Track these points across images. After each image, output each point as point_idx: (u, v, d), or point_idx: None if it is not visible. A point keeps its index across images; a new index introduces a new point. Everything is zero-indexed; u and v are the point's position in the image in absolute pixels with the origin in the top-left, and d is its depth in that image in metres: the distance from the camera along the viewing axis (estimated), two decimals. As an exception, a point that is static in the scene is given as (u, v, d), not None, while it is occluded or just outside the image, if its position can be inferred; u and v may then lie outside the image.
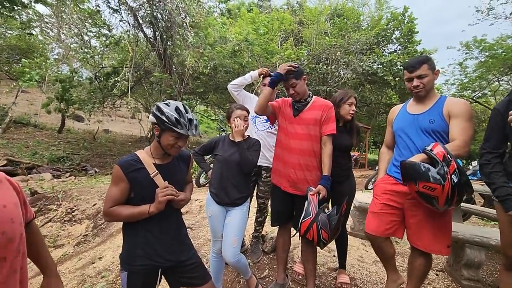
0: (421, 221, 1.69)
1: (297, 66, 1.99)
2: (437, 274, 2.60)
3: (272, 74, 2.12)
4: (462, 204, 3.65)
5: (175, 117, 1.28)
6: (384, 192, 1.86)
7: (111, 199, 1.29)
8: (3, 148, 8.28)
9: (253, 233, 2.78)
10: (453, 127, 1.61)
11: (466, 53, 15.14)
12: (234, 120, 1.97)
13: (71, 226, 4.22)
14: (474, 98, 16.39)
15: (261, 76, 2.51)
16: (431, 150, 1.47)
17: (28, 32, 10.87)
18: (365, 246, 3.12)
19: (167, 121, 1.28)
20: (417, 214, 1.71)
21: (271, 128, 2.55)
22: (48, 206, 4.67)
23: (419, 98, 1.80)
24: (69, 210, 4.53)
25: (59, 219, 4.36)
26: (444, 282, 2.46)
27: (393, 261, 1.94)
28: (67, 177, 7.31)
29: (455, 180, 1.37)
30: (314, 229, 1.75)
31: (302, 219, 1.79)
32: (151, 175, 1.32)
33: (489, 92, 16.82)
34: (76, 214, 4.43)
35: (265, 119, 2.58)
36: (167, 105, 1.33)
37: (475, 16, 12.90)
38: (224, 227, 1.96)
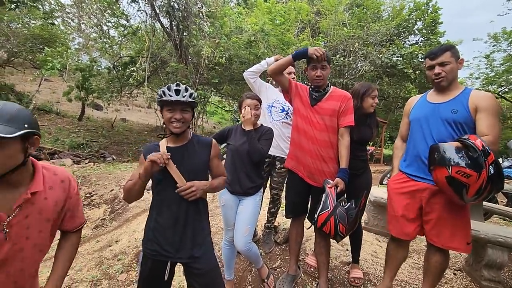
0: (440, 217, 1.64)
1: (326, 51, 1.93)
2: (455, 274, 2.52)
3: None
4: (484, 202, 3.51)
5: (163, 90, 1.32)
6: (401, 193, 1.81)
7: (130, 177, 1.36)
8: (27, 134, 8.62)
9: (265, 223, 2.78)
10: (482, 122, 1.52)
11: (493, 46, 14.31)
12: (243, 109, 1.96)
13: (90, 210, 4.39)
14: (500, 94, 15.55)
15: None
16: (468, 138, 1.38)
17: (51, 22, 11.20)
18: (379, 241, 3.07)
19: (159, 97, 1.33)
20: (434, 210, 1.65)
21: (287, 118, 2.51)
22: (69, 191, 4.86)
23: (440, 88, 1.71)
24: (88, 195, 4.70)
25: (79, 203, 4.54)
26: (462, 282, 2.39)
27: (397, 269, 1.94)
28: (86, 163, 7.57)
29: (492, 171, 1.31)
30: (331, 222, 1.72)
31: (320, 212, 1.76)
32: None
33: (517, 87, 15.90)
34: (95, 199, 4.60)
35: (280, 109, 2.54)
36: (163, 87, 1.37)
37: (505, 5, 12.13)
38: (237, 216, 1.97)
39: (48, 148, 7.64)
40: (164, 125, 1.45)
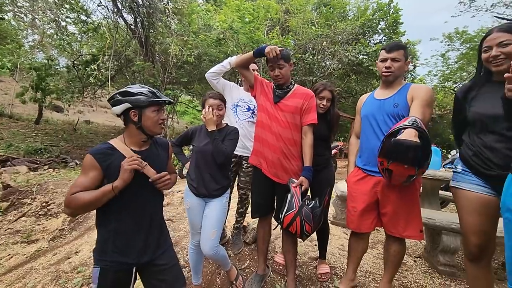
0: (393, 209, 1.72)
1: (283, 49, 1.92)
2: (415, 261, 2.66)
3: None
4: (441, 192, 3.75)
5: (148, 90, 1.27)
6: (358, 188, 1.87)
7: (76, 186, 1.17)
8: (-26, 140, 7.84)
9: (234, 224, 2.74)
10: (413, 108, 1.61)
11: (448, 45, 15.49)
12: (204, 109, 1.90)
13: (47, 220, 4.06)
14: (455, 89, 16.84)
15: None
16: (420, 126, 1.41)
17: (0, 16, 10.20)
18: (346, 234, 3.16)
19: (145, 97, 1.26)
20: (389, 203, 1.73)
21: (253, 117, 2.49)
22: (22, 200, 4.46)
23: (387, 82, 1.81)
24: (44, 204, 4.34)
25: (33, 213, 4.18)
26: (422, 268, 2.52)
27: (359, 260, 2.01)
28: (45, 169, 7.01)
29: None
30: (297, 222, 1.73)
31: (285, 213, 1.76)
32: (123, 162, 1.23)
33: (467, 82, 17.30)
34: (52, 208, 4.25)
35: (246, 108, 2.51)
36: (130, 88, 1.29)
37: (457, 8, 13.14)
38: (203, 219, 1.91)
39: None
40: (138, 128, 1.29)
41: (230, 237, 2.75)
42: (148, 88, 1.30)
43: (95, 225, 1.32)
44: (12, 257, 3.25)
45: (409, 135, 1.34)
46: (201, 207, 1.93)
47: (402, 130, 1.39)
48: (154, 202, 1.38)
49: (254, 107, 2.49)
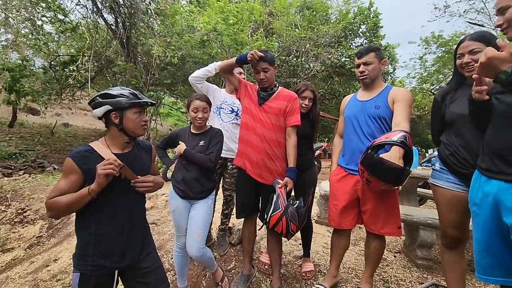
0: (373, 207, 1.79)
1: (268, 52, 1.97)
2: (395, 256, 2.76)
3: None
4: (419, 189, 3.91)
5: (129, 92, 1.27)
6: (339, 186, 1.93)
7: (56, 190, 1.17)
8: None
9: (219, 225, 2.74)
10: (397, 111, 1.70)
11: (425, 48, 16.16)
12: (191, 112, 1.90)
13: (23, 227, 3.87)
14: (432, 91, 17.58)
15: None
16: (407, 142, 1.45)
17: (-32, 14, 9.66)
18: (330, 233, 3.21)
19: (126, 99, 1.25)
20: (368, 201, 1.80)
21: (237, 119, 2.50)
22: (-4, 208, 4.25)
23: (365, 85, 1.89)
24: (20, 211, 4.14)
25: (8, 221, 3.98)
26: (401, 263, 2.62)
27: (341, 257, 2.08)
28: (20, 175, 6.69)
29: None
30: (283, 222, 1.78)
31: (272, 213, 1.80)
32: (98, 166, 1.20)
33: (445, 85, 18.11)
34: (29, 215, 4.07)
35: (230, 110, 2.53)
36: (110, 90, 1.28)
37: (433, 13, 13.75)
38: (188, 221, 1.90)
39: (-30, 160, 6.59)
40: (120, 130, 1.29)
41: (216, 239, 2.74)
42: (129, 90, 1.30)
43: (75, 229, 1.30)
44: (-15, 267, 3.09)
45: (394, 156, 1.38)
46: (186, 209, 1.92)
47: (389, 147, 1.45)
48: (136, 205, 1.36)
49: (238, 109, 2.51)
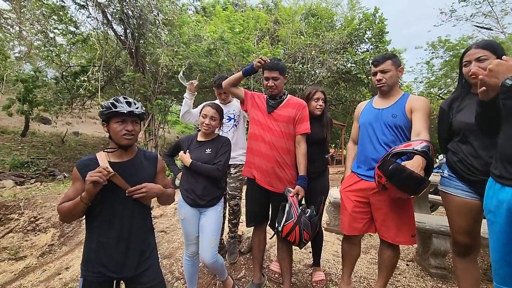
0: (386, 214, 1.76)
1: (280, 61, 2.01)
2: (407, 264, 2.70)
3: None
4: (430, 196, 3.84)
5: (111, 102, 1.28)
6: (351, 192, 1.92)
7: (64, 197, 1.26)
8: (-42, 154, 7.59)
9: (229, 233, 2.73)
10: (417, 121, 1.68)
11: (432, 53, 16.06)
12: (200, 117, 1.93)
13: (35, 235, 3.94)
14: (441, 95, 17.38)
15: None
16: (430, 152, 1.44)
17: (-15, 28, 10.03)
18: (340, 240, 3.17)
19: (105, 109, 1.28)
20: (381, 208, 1.77)
21: (236, 126, 2.56)
22: (9, 216, 4.32)
23: (382, 92, 1.87)
24: (32, 219, 4.21)
25: (21, 229, 4.05)
26: (414, 272, 2.56)
27: (353, 265, 2.05)
28: (32, 183, 6.82)
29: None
30: (297, 231, 1.78)
31: (284, 223, 1.80)
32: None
33: (453, 90, 17.83)
34: (41, 223, 4.14)
35: (227, 119, 2.54)
36: (104, 103, 1.34)
37: (439, 17, 13.69)
38: (200, 229, 1.91)
39: (-16, 169, 6.76)
40: (109, 138, 1.35)
41: (226, 246, 2.73)
42: (119, 100, 1.29)
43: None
44: (-1, 275, 3.14)
45: (417, 166, 1.38)
46: (196, 217, 1.93)
47: (412, 155, 1.44)
48: (134, 216, 1.33)
49: (234, 115, 2.54)
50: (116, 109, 1.26)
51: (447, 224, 2.43)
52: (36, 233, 3.97)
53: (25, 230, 4.01)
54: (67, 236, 3.75)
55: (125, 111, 1.27)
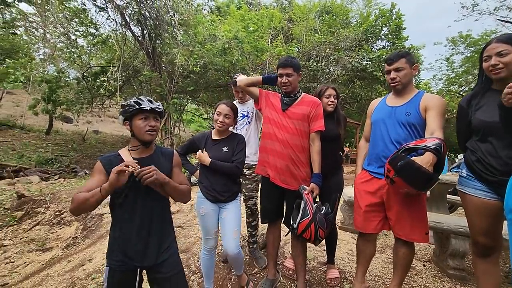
0: (399, 212, 1.75)
1: (295, 58, 2.04)
2: (424, 265, 2.66)
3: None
4: (449, 196, 3.75)
5: (134, 101, 1.36)
6: (364, 191, 1.92)
7: (84, 187, 1.28)
8: (-12, 151, 8.08)
9: (249, 239, 2.68)
10: (431, 119, 1.66)
11: (452, 49, 15.48)
12: (215, 114, 1.98)
13: (60, 228, 4.16)
14: (461, 93, 16.74)
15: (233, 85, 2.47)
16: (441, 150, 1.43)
17: (12, 31, 10.56)
18: (354, 239, 3.16)
19: (129, 107, 1.35)
20: (394, 205, 1.77)
21: (249, 123, 2.54)
22: (36, 209, 4.58)
23: (396, 91, 1.85)
24: (57, 213, 4.45)
25: (47, 222, 4.28)
26: (431, 272, 2.52)
27: (368, 263, 2.04)
28: (56, 179, 7.17)
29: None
30: (312, 229, 1.80)
31: (300, 220, 1.82)
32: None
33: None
34: (65, 217, 4.36)
35: (240, 116, 2.54)
36: (125, 102, 1.42)
37: (460, 12, 13.16)
38: (222, 222, 1.98)
39: (12, 166, 7.16)
40: (132, 136, 1.43)
41: (249, 252, 2.70)
42: (141, 99, 1.38)
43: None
44: (28, 264, 3.34)
45: (426, 161, 1.38)
46: (215, 213, 1.99)
47: (423, 151, 1.44)
48: (154, 208, 1.41)
49: (248, 113, 2.55)
50: (140, 106, 1.35)
51: (466, 224, 2.39)
52: (61, 226, 4.19)
53: (51, 223, 4.24)
54: (89, 229, 3.94)
55: (149, 108, 1.36)
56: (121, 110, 1.40)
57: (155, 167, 1.29)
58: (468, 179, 1.63)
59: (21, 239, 3.94)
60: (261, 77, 2.14)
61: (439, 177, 1.43)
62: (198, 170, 2.09)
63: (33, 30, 10.43)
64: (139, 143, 1.41)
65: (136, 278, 1.38)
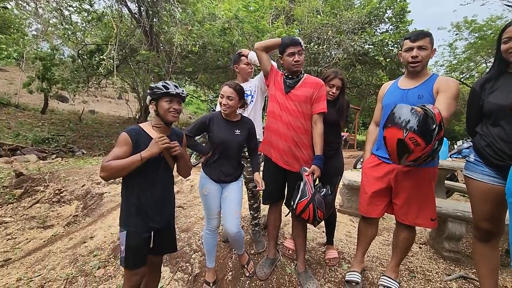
0: (408, 197, 1.75)
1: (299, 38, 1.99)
2: (420, 247, 2.74)
3: None
4: (446, 181, 3.80)
5: (163, 84, 1.53)
6: (371, 176, 1.91)
7: (111, 155, 1.41)
8: (-17, 129, 7.97)
9: (252, 221, 2.67)
10: (439, 101, 1.59)
11: (456, 34, 15.20)
12: (219, 97, 1.95)
13: (60, 207, 4.18)
14: (462, 80, 16.64)
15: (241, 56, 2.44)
16: (431, 109, 1.34)
17: (3, 5, 10.13)
18: (353, 222, 3.23)
19: (157, 89, 1.51)
20: (403, 190, 1.76)
21: (253, 102, 2.45)
22: (35, 188, 4.58)
23: (413, 73, 1.76)
24: (57, 191, 4.45)
25: (47, 200, 4.30)
26: (427, 254, 2.60)
27: (368, 245, 2.07)
28: (53, 158, 7.13)
29: (436, 146, 1.35)
30: (310, 209, 1.80)
31: (299, 200, 1.82)
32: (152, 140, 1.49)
33: (476, 74, 17.04)
34: (65, 195, 4.37)
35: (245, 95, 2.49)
36: (153, 84, 1.57)
37: (467, -5, 12.83)
38: (223, 202, 1.99)
39: (9, 144, 7.09)
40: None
41: (251, 234, 2.70)
42: (164, 83, 1.54)
43: (121, 195, 1.58)
44: (30, 241, 3.38)
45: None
46: (218, 192, 2.00)
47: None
48: (169, 177, 1.67)
49: (251, 91, 2.46)
50: (168, 90, 1.51)
51: (463, 209, 2.45)
52: (61, 205, 4.21)
53: (51, 202, 4.26)
54: (90, 208, 3.96)
55: (174, 92, 1.52)
56: (149, 91, 1.55)
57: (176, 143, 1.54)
58: (476, 165, 1.61)
59: (21, 216, 3.96)
60: (280, 39, 2.04)
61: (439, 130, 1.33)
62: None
63: (24, 4, 10.02)
64: (162, 122, 1.57)
65: (150, 240, 1.57)
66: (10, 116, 9.99)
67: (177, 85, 1.57)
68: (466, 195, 4.44)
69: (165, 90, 1.51)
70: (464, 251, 2.68)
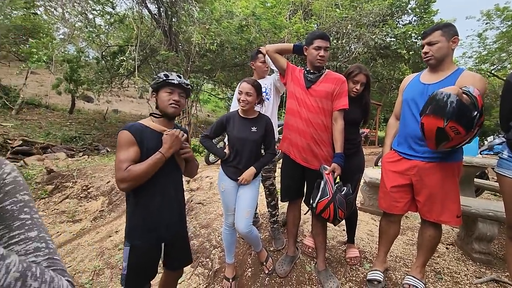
0: (431, 194, 1.69)
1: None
2: (447, 248, 2.61)
3: None
4: (476, 179, 3.60)
5: (164, 74, 1.41)
6: (391, 171, 1.85)
7: (125, 160, 1.26)
8: (18, 129, 8.50)
9: (270, 219, 2.65)
10: None
11: (486, 23, 14.32)
12: (238, 94, 1.94)
13: (88, 202, 4.40)
14: (493, 72, 15.64)
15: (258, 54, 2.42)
16: (472, 93, 1.29)
17: (33, 11, 10.73)
18: (375, 220, 3.14)
19: (157, 79, 1.41)
20: (426, 187, 1.70)
21: (268, 100, 2.44)
22: (65, 184, 4.85)
23: (431, 66, 1.73)
24: (84, 187, 4.69)
25: (75, 196, 4.54)
26: (455, 255, 2.48)
27: (391, 244, 2.01)
28: (80, 156, 7.50)
29: (475, 131, 1.33)
30: (331, 208, 1.77)
31: (319, 199, 1.79)
32: (165, 133, 1.39)
33: (508, 65, 15.93)
34: (92, 191, 4.59)
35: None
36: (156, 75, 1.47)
37: (499, -19, 12.00)
38: (237, 200, 1.99)
39: (40, 143, 7.52)
40: (156, 108, 1.47)
41: (270, 231, 2.70)
42: (166, 72, 1.42)
43: (126, 206, 1.44)
44: (60, 234, 3.59)
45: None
46: (235, 190, 2.01)
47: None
48: (180, 178, 1.56)
49: (266, 88, 2.43)
50: (168, 79, 1.39)
51: (495, 209, 2.31)
52: (88, 200, 4.43)
53: (79, 197, 4.50)
54: (114, 203, 4.14)
55: (176, 82, 1.40)
56: (151, 82, 1.45)
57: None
58: (510, 162, 1.53)
59: (52, 211, 4.20)
60: (292, 44, 2.04)
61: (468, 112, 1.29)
62: (227, 151, 2.05)
63: (52, 9, 10.54)
64: (161, 114, 1.46)
65: (160, 253, 1.44)
66: (41, 116, 10.59)
67: (181, 76, 1.46)
68: (498, 194, 4.18)
69: (165, 79, 1.39)
70: (496, 253, 2.53)
